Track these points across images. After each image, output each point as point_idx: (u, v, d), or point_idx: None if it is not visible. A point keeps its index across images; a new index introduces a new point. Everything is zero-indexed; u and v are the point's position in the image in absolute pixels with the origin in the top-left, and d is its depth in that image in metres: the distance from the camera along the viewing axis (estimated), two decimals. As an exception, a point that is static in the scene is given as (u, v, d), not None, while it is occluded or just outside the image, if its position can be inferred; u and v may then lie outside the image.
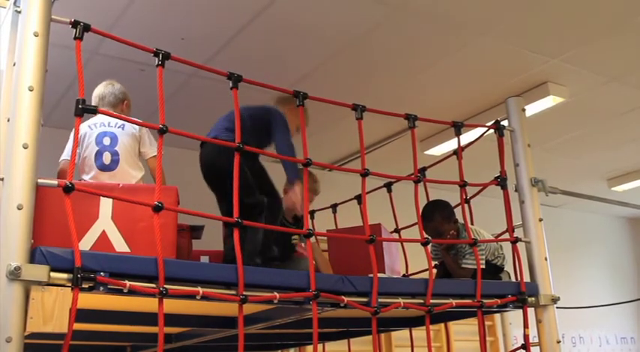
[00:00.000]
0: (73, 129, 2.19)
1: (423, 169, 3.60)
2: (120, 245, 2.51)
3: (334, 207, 4.66)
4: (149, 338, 3.97)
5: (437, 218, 3.39)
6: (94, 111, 2.24)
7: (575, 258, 7.82)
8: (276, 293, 2.45)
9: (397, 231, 4.27)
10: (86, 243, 2.40)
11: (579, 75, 4.78)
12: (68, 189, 2.04)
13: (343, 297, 2.63)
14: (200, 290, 2.26)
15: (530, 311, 3.26)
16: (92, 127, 3.18)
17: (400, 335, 5.28)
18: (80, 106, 2.14)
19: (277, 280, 2.54)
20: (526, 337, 3.23)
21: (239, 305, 2.32)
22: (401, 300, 2.81)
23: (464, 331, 6.12)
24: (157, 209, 2.23)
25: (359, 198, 4.13)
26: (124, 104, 3.44)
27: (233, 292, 2.34)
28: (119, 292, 2.11)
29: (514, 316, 5.83)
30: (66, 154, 3.29)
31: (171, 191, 2.73)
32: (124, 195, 2.49)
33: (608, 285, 8.23)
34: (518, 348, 3.38)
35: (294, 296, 2.52)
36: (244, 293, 2.32)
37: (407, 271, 4.25)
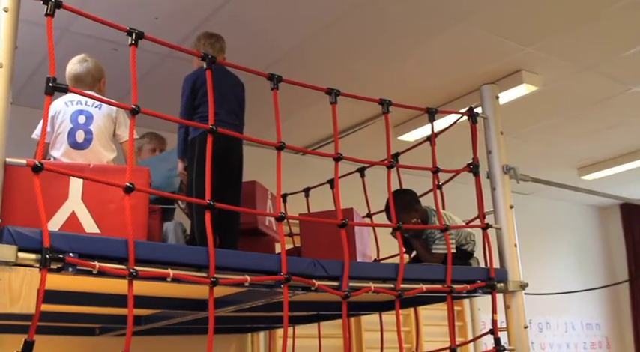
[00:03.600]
0: (52, 106, 2.15)
1: (397, 155, 3.61)
2: (90, 226, 2.48)
3: (307, 191, 4.66)
4: (118, 320, 3.96)
5: (397, 209, 3.40)
6: (65, 89, 2.21)
7: (544, 245, 7.92)
8: (247, 276, 2.45)
9: (369, 215, 4.29)
10: (55, 224, 2.37)
11: (553, 63, 4.81)
12: (37, 169, 2.01)
13: (314, 281, 2.64)
14: (170, 272, 2.25)
15: (499, 296, 3.30)
16: (68, 104, 3.13)
17: (370, 319, 5.31)
18: (51, 85, 2.11)
19: (248, 263, 2.53)
20: (494, 322, 3.27)
21: (209, 288, 2.32)
22: (372, 285, 2.82)
23: (433, 316, 6.17)
24: (128, 190, 2.21)
25: (332, 183, 4.13)
26: (100, 82, 3.39)
27: (204, 274, 2.34)
28: (88, 273, 2.09)
29: (483, 301, 5.90)
30: (37, 133, 3.25)
31: (142, 172, 2.70)
32: (94, 175, 2.46)
33: (576, 273, 8.35)
34: (485, 333, 3.42)
35: (265, 280, 2.53)
36: (215, 275, 2.32)
37: (378, 256, 4.28)
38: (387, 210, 3.49)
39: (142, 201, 2.58)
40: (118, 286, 2.32)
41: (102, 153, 3.10)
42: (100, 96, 2.87)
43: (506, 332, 3.27)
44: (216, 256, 2.35)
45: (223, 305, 3.37)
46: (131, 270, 2.12)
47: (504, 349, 3.21)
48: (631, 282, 8.54)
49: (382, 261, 4.16)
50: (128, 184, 2.21)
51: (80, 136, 3.08)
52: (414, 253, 3.76)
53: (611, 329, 8.59)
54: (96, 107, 3.15)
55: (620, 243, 8.84)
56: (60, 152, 3.06)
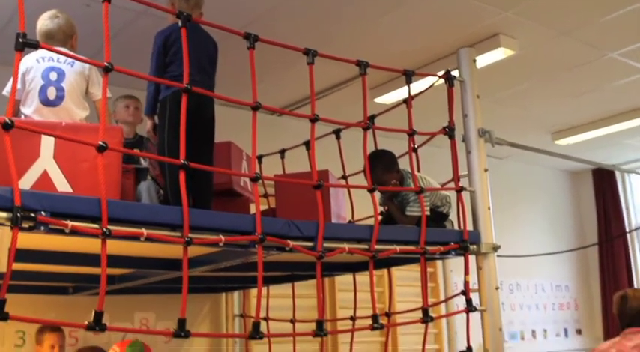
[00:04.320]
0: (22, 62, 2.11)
1: (373, 117, 3.61)
2: (62, 185, 2.46)
3: (282, 152, 4.65)
4: (92, 279, 3.95)
5: (378, 169, 3.41)
6: (35, 46, 2.16)
7: (517, 208, 8.01)
8: (221, 236, 2.45)
9: (344, 177, 4.30)
10: (27, 182, 2.35)
11: (530, 28, 4.80)
12: (7, 126, 1.97)
13: (289, 241, 2.64)
14: (144, 231, 2.24)
15: (472, 258, 3.34)
16: (39, 61, 3.07)
17: (344, 280, 5.36)
18: (21, 41, 2.06)
19: (223, 223, 2.53)
20: (466, 283, 3.32)
21: (183, 248, 2.32)
22: (346, 245, 2.84)
23: (406, 277, 6.24)
24: (101, 149, 2.18)
25: (307, 144, 4.13)
26: (72, 39, 3.32)
27: (178, 234, 2.33)
28: (61, 232, 2.08)
29: (455, 263, 5.97)
30: (7, 90, 3.18)
31: (116, 131, 2.67)
32: (66, 133, 2.43)
33: (547, 236, 8.47)
34: (457, 294, 3.47)
35: (240, 240, 2.53)
36: (189, 235, 2.31)
37: (353, 217, 4.30)
38: (365, 170, 3.49)
39: (115, 160, 2.56)
40: (91, 245, 2.31)
41: (74, 110, 3.05)
42: (71, 53, 2.82)
43: (477, 293, 3.32)
44: (191, 216, 2.35)
45: (197, 265, 3.38)
46: (104, 229, 2.10)
47: (475, 309, 3.26)
48: (600, 246, 8.69)
49: (357, 223, 4.19)
50: (101, 143, 2.18)
51: (52, 93, 3.03)
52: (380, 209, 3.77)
53: (579, 291, 8.76)
54: (68, 64, 3.09)
55: (591, 208, 8.97)
56: (31, 109, 3.01)
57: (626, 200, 8.85)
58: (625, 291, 3.46)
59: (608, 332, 8.10)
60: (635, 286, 8.21)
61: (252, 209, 3.53)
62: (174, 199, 2.91)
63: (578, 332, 8.61)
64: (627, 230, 8.62)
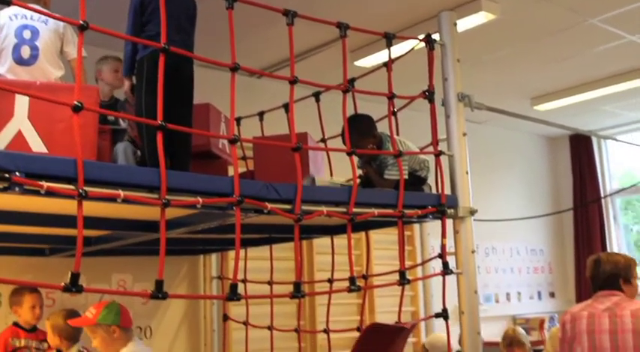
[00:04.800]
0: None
1: (352, 80, 3.59)
2: (37, 145, 2.43)
3: (261, 114, 4.62)
4: (68, 241, 3.93)
5: (356, 132, 3.39)
6: (7, 2, 2.10)
7: (494, 173, 8.06)
8: (199, 198, 2.44)
9: (323, 140, 4.29)
10: (0, 143, 2.31)
11: (512, -8, 4.79)
12: (-20, 85, 1.94)
13: (267, 204, 2.64)
14: (121, 193, 2.22)
15: (449, 222, 3.36)
16: (12, 18, 3.00)
17: (321, 243, 5.39)
18: (-8, -4, 2.01)
19: (201, 185, 2.52)
20: (443, 247, 3.35)
21: (161, 209, 2.30)
22: (324, 208, 2.84)
23: (384, 240, 6.29)
24: (77, 109, 2.15)
25: (286, 107, 4.11)
26: None
27: (155, 196, 2.32)
28: (36, 193, 2.06)
29: (432, 227, 6.02)
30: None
31: (91, 91, 2.63)
32: (41, 93, 2.39)
33: (523, 200, 8.55)
34: (434, 257, 3.50)
35: (218, 202, 2.52)
36: (166, 197, 2.30)
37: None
38: (343, 134, 3.48)
39: (91, 121, 2.53)
40: (67, 206, 2.29)
41: (49, 70, 3.00)
42: (45, 10, 2.76)
43: (454, 257, 3.35)
44: (168, 177, 2.33)
45: (175, 227, 3.37)
46: (80, 190, 2.08)
47: (452, 272, 3.30)
48: (575, 211, 8.80)
49: (335, 186, 4.19)
50: (77, 103, 2.15)
51: (25, 52, 2.97)
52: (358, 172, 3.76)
53: (553, 255, 8.89)
54: (42, 22, 3.03)
55: (567, 173, 9.05)
56: (4, 68, 2.95)
57: (602, 166, 8.94)
58: (598, 255, 3.51)
59: (581, 296, 8.24)
60: (609, 250, 8.33)
61: (231, 171, 3.52)
62: (151, 160, 2.88)
63: (552, 295, 8.75)
64: (602, 195, 8.72)
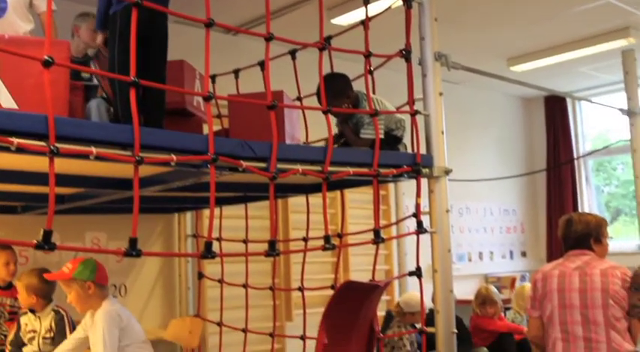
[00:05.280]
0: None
1: (329, 38, 3.55)
2: (6, 101, 2.38)
3: (236, 72, 4.56)
4: (40, 198, 3.89)
5: (331, 91, 3.36)
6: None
7: (469, 133, 8.09)
8: (173, 156, 2.42)
9: (299, 99, 4.26)
10: (-31, 97, 2.26)
11: (490, -51, 4.75)
12: (-54, 37, 1.88)
13: (242, 162, 2.62)
14: (93, 150, 2.19)
15: (424, 181, 3.37)
16: None
17: (297, 201, 5.40)
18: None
19: (175, 142, 2.49)
20: (417, 206, 3.36)
21: (134, 167, 2.28)
22: (299, 167, 2.83)
23: (359, 199, 6.31)
24: (47, 64, 2.10)
25: (262, 64, 4.06)
26: None
27: (128, 153, 2.29)
28: (6, 150, 2.03)
29: (407, 186, 6.05)
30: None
31: (62, 46, 2.58)
32: (10, 47, 2.33)
33: (498, 161, 8.61)
34: (408, 216, 3.52)
35: (192, 159, 2.50)
36: (140, 154, 2.27)
37: (307, 139, 4.29)
38: (318, 93, 3.46)
39: (62, 77, 2.48)
40: (39, 164, 2.26)
41: (17, 23, 2.93)
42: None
43: (428, 216, 3.37)
44: (142, 134, 2.30)
45: (149, 185, 3.35)
46: (51, 147, 2.05)
47: (426, 231, 3.32)
48: (548, 171, 8.89)
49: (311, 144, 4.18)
50: (47, 58, 2.10)
51: (-7, 6, 2.90)
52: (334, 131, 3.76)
53: (526, 215, 9.00)
54: (10, -26, 2.95)
55: (542, 134, 9.11)
56: (-28, 21, 2.88)
57: (576, 127, 9.01)
58: (570, 215, 3.56)
59: (552, 255, 8.38)
60: (580, 211, 8.45)
61: (205, 129, 3.49)
62: (124, 117, 2.85)
63: (523, 254, 8.89)
64: (575, 157, 8.81)
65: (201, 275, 5.30)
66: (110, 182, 3.46)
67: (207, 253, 2.47)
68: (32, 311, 4.00)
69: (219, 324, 5.01)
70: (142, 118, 2.57)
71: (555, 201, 8.85)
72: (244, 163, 2.63)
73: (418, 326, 3.54)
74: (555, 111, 8.98)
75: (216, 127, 4.03)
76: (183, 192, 3.85)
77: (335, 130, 3.74)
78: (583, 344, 3.20)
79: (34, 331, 3.97)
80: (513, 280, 7.77)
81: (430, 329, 3.34)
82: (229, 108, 3.69)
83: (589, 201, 8.91)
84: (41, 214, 4.38)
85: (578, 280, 3.28)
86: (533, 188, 9.11)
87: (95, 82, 3.53)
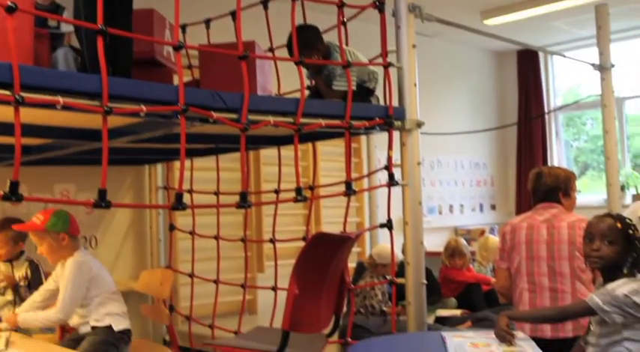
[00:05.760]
0: None
1: (302, -13, 3.49)
2: (-31, 48, 2.31)
3: (207, 22, 4.48)
4: (7, 149, 3.81)
5: (302, 42, 3.32)
6: None
7: (441, 87, 8.09)
8: (142, 106, 2.38)
9: (271, 50, 4.21)
10: None
11: None
12: None
13: (213, 113, 2.60)
14: (60, 99, 2.15)
15: (396, 134, 3.37)
16: None
17: (269, 154, 5.38)
18: None
19: (144, 92, 2.45)
20: (389, 158, 3.37)
21: (103, 117, 2.25)
22: (271, 118, 2.81)
23: (331, 152, 6.31)
24: (10, 10, 2.04)
25: (233, 14, 3.99)
26: None
27: (96, 103, 2.25)
28: (-31, 98, 1.98)
29: (379, 139, 6.06)
30: None
31: (27, -9, 2.49)
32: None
33: (469, 115, 8.64)
34: (380, 169, 3.54)
35: (162, 110, 2.47)
36: (109, 104, 2.24)
37: (279, 91, 4.25)
38: (288, 44, 3.42)
39: (26, 24, 2.42)
40: (3, 113, 2.21)
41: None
42: None
43: (399, 169, 3.38)
44: (110, 84, 2.26)
45: (119, 136, 3.31)
46: (16, 96, 2.01)
47: (397, 184, 3.34)
48: (519, 126, 8.95)
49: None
50: (10, 3, 2.04)
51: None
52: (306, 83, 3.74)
53: (496, 169, 9.09)
54: None
55: (514, 89, 9.14)
56: None
57: (548, 82, 9.05)
58: (540, 169, 3.59)
59: (521, 208, 8.49)
60: (550, 165, 8.55)
61: (176, 80, 3.43)
62: (92, 67, 2.78)
63: (493, 207, 9.00)
64: (546, 111, 8.87)
65: (172, 227, 5.29)
66: (78, 133, 3.40)
67: (178, 204, 2.46)
68: (7, 261, 4.01)
69: (191, 276, 5.03)
70: (110, 68, 2.52)
71: (525, 155, 8.93)
72: (215, 114, 2.60)
73: (389, 277, 3.58)
74: (527, 65, 9.00)
75: (187, 78, 3.97)
76: (153, 143, 3.82)
77: (307, 82, 3.71)
78: (549, 295, 3.27)
79: (9, 279, 3.97)
80: (482, 232, 7.87)
81: (400, 280, 3.39)
82: (200, 59, 3.63)
83: (558, 156, 9.01)
84: (8, 166, 4.31)
85: (545, 232, 3.33)
86: (503, 142, 9.18)
87: (63, 30, 3.44)
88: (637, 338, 2.37)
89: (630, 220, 2.53)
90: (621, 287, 2.37)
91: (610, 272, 2.49)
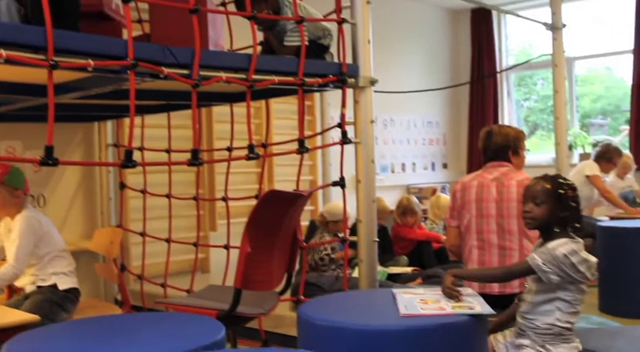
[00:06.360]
0: None
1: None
2: None
3: (158, -26, 4.36)
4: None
5: None
6: None
7: (395, 45, 8.07)
8: (90, 61, 2.32)
9: (223, 4, 4.13)
10: None
11: None
12: None
13: (163, 68, 2.54)
14: (3, 52, 2.07)
15: (349, 91, 3.36)
16: None
17: (221, 111, 5.32)
18: None
19: (92, 46, 2.38)
20: (342, 116, 3.36)
21: (48, 72, 2.18)
22: (223, 74, 2.77)
23: (284, 110, 6.27)
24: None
25: (185, -33, 3.89)
26: None
27: (42, 57, 2.18)
28: None
29: (333, 97, 6.04)
30: None
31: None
32: None
33: (423, 73, 8.66)
34: (333, 126, 3.53)
35: (111, 65, 2.40)
36: (54, 58, 2.17)
37: (231, 46, 4.18)
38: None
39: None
40: (-58, 65, 2.13)
41: None
42: None
43: (353, 127, 3.38)
44: (55, 37, 2.18)
45: (66, 92, 3.22)
46: (-44, 48, 1.93)
47: (350, 142, 3.33)
48: (472, 85, 9.02)
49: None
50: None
51: None
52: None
53: (448, 127, 9.17)
54: None
55: (467, 47, 9.18)
56: None
57: (500, 41, 9.11)
58: (491, 127, 3.62)
59: (472, 167, 8.61)
60: (500, 124, 8.65)
61: (125, 35, 3.34)
62: (35, 19, 2.68)
63: (445, 166, 9.11)
64: (498, 70, 8.94)
65: (123, 186, 5.22)
66: (24, 88, 3.30)
67: (128, 162, 2.42)
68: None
69: (143, 234, 4.99)
70: (55, 20, 2.43)
71: (477, 114, 9.03)
72: (166, 70, 2.55)
73: (341, 235, 3.60)
74: (481, 24, 9.04)
75: (137, 32, 3.87)
76: (102, 99, 3.73)
77: (260, 38, 3.65)
78: (497, 252, 3.33)
79: None
80: (434, 191, 7.97)
81: (352, 238, 3.41)
82: (150, 13, 3.53)
83: (509, 115, 9.13)
84: (-50, 121, 4.19)
85: (495, 191, 3.38)
86: (456, 101, 9.25)
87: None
88: (567, 298, 2.45)
89: (565, 180, 2.55)
90: (562, 246, 2.42)
91: (545, 232, 2.55)
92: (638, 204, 6.27)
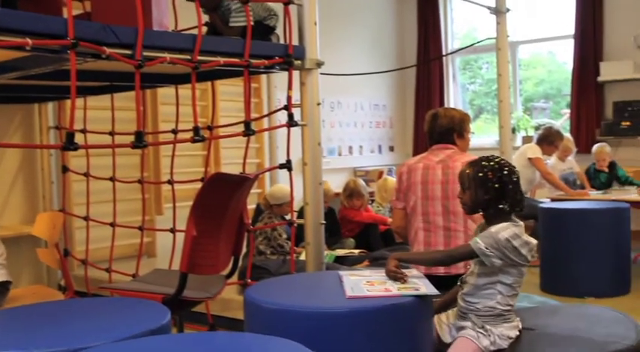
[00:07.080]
0: None
1: None
2: None
3: (99, -49, 4.25)
4: None
5: None
6: None
7: (342, 28, 8.06)
8: (28, 39, 2.24)
9: (168, -16, 4.05)
10: None
11: None
12: None
13: (105, 48, 2.48)
14: None
15: (296, 74, 3.34)
16: None
17: (166, 93, 5.23)
18: None
19: (29, 24, 2.31)
20: (289, 98, 3.35)
21: (-16, 50, 2.10)
22: (167, 55, 2.72)
23: (230, 92, 6.21)
24: None
25: (127, -56, 3.79)
26: None
27: (-24, 35, 2.11)
28: None
29: (279, 79, 6.01)
30: None
31: None
32: None
33: (369, 56, 8.67)
34: (280, 109, 3.51)
35: (50, 44, 2.34)
36: (-10, 36, 2.10)
37: (176, 27, 4.11)
38: None
39: None
40: None
41: None
42: None
43: (299, 109, 3.37)
44: (-9, 15, 2.11)
45: (3, 72, 3.13)
46: None
47: (297, 124, 3.33)
48: (418, 68, 9.08)
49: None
50: None
51: None
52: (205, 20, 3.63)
53: (395, 110, 9.23)
54: None
55: (413, 30, 9.23)
56: None
57: (446, 25, 9.18)
58: (437, 110, 3.65)
59: (418, 150, 8.70)
60: (446, 106, 8.74)
61: (65, 13, 3.26)
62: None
63: (391, 149, 9.17)
64: (443, 54, 9.02)
65: (65, 169, 5.10)
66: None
67: (69, 145, 2.37)
68: None
69: (86, 219, 4.89)
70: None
71: (423, 97, 9.10)
72: (108, 50, 2.49)
73: (288, 217, 3.59)
74: (427, 7, 9.09)
75: (77, 11, 3.77)
76: (42, 80, 3.64)
77: (205, 19, 3.60)
78: (443, 233, 3.37)
79: None
80: (381, 173, 8.02)
81: (299, 221, 3.41)
82: (92, -8, 3.45)
83: (454, 98, 9.24)
84: None
85: (440, 173, 3.41)
86: (402, 84, 9.30)
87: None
88: (508, 282, 2.49)
89: (489, 163, 2.53)
90: (504, 230, 2.45)
91: (487, 215, 2.58)
92: (579, 186, 6.43)
